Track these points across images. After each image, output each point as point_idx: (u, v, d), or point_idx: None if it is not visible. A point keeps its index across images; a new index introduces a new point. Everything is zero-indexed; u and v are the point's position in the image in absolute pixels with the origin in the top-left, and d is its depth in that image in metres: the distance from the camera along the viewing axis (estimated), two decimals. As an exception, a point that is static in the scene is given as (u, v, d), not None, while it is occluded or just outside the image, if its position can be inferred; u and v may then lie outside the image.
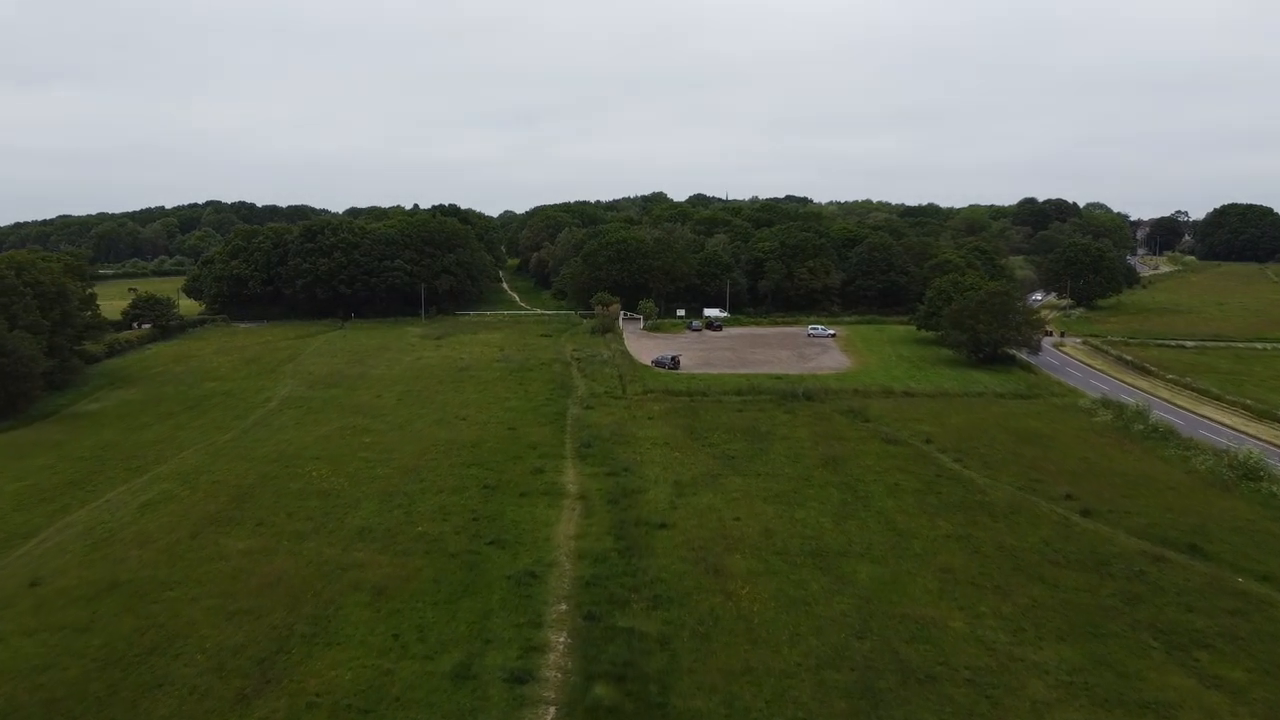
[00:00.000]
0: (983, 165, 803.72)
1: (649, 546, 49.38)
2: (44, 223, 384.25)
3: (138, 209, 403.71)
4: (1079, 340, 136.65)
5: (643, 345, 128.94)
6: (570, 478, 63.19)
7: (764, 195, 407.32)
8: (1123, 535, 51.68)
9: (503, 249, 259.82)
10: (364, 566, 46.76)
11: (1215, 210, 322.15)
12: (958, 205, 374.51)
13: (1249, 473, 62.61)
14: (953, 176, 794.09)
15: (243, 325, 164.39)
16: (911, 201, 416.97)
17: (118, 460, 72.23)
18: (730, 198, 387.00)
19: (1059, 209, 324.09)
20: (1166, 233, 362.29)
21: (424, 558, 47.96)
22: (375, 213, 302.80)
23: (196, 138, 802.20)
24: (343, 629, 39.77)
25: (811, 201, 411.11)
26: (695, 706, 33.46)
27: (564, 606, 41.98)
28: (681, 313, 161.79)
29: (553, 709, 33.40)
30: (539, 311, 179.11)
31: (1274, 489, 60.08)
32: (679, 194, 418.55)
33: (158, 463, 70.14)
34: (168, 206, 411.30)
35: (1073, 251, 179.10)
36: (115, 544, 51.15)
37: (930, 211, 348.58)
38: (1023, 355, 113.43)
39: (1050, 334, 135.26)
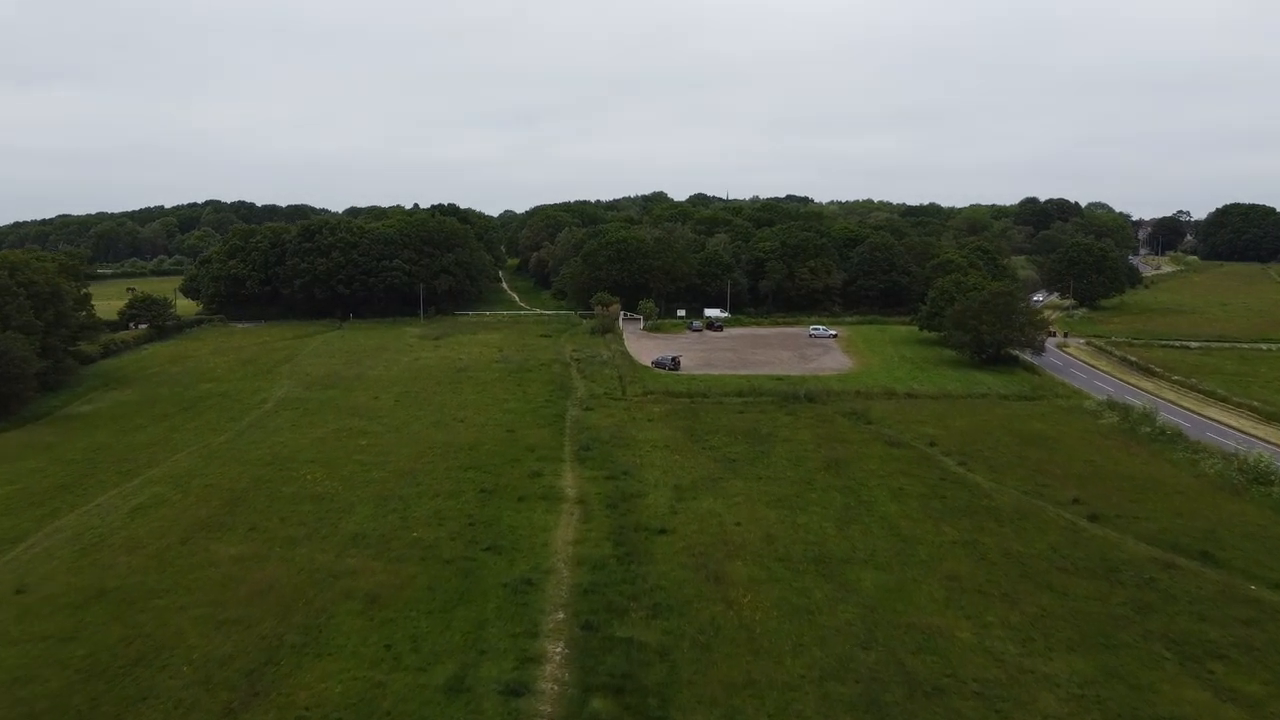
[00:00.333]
0: (983, 165, 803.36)
1: (648, 553, 48.36)
2: (43, 222, 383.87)
3: (137, 209, 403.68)
4: (1082, 341, 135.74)
5: (643, 346, 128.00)
6: (569, 481, 62.15)
7: (764, 195, 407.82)
8: (1132, 541, 50.64)
9: (502, 249, 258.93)
10: (357, 573, 45.72)
11: (1217, 210, 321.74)
12: (959, 205, 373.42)
13: (1259, 476, 61.61)
14: (953, 176, 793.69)
15: (240, 325, 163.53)
16: (912, 201, 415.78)
17: (110, 463, 71.22)
18: (730, 197, 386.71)
19: (1061, 209, 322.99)
20: (1169, 233, 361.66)
21: (418, 564, 46.91)
22: (375, 212, 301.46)
23: (196, 137, 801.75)
24: (334, 639, 38.71)
25: (812, 201, 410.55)
26: (695, 721, 32.39)
27: (561, 615, 40.93)
28: (682, 313, 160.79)
29: (548, 724, 32.35)
30: (538, 312, 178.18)
31: (1285, 493, 58.96)
32: (679, 194, 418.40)
33: (150, 466, 69.09)
34: (167, 206, 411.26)
35: (1075, 251, 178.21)
36: (104, 550, 50.11)
37: (931, 211, 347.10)
38: (1026, 356, 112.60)
39: (1054, 334, 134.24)
